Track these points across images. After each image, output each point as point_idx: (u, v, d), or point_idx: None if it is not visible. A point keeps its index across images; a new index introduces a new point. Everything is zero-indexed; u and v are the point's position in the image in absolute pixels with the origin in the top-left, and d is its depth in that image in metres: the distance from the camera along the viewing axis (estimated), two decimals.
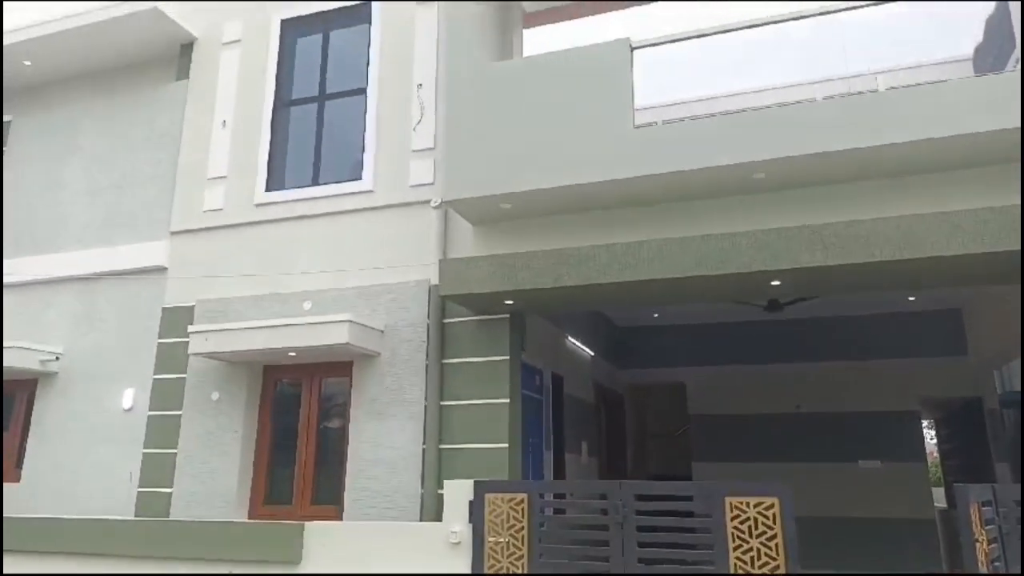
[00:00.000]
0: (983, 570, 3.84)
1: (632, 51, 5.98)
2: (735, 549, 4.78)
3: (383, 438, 6.76)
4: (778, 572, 4.66)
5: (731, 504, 4.88)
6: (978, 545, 3.85)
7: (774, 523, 4.76)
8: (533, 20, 7.75)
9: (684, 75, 6.78)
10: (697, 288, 5.81)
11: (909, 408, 9.41)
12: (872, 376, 9.37)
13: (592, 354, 9.28)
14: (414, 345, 6.90)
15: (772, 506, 4.79)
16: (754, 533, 4.78)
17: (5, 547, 6.78)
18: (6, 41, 9.09)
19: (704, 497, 5.04)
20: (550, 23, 7.86)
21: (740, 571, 4.74)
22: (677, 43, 6.23)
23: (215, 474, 7.19)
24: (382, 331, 7.00)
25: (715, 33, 6.15)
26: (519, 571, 5.29)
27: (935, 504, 9.15)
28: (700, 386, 10.19)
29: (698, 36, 6.23)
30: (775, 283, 5.60)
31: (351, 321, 6.64)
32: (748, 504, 4.84)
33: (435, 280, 6.84)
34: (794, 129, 5.22)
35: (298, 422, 7.34)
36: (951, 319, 9.39)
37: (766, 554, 4.71)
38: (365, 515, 6.53)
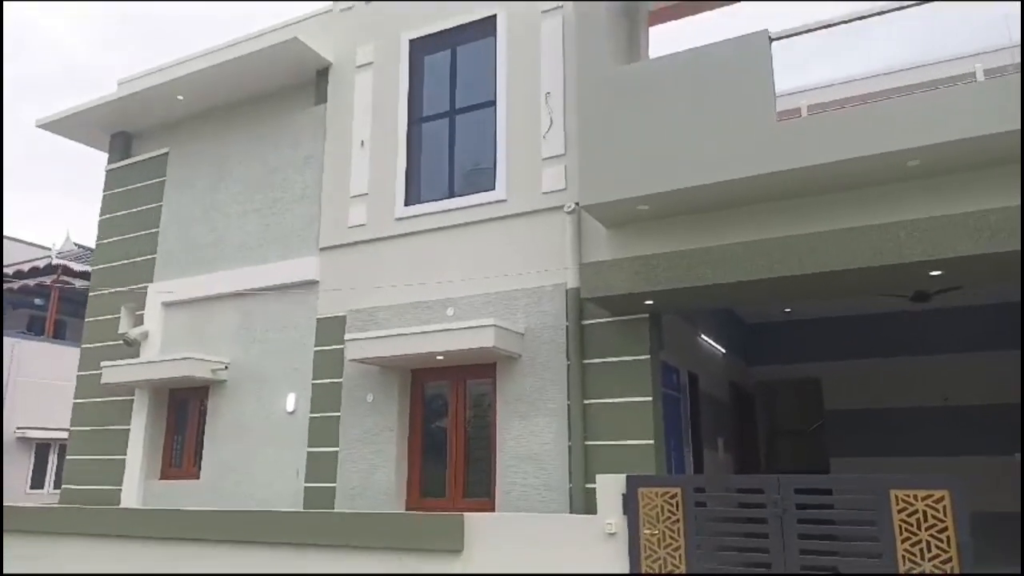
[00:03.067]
0: None
1: (771, 42, 6.00)
2: (903, 542, 4.76)
3: (529, 435, 7.09)
4: (951, 566, 4.62)
5: (897, 497, 4.86)
6: None
7: (945, 516, 4.71)
8: (656, 18, 7.88)
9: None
10: (848, 282, 5.79)
11: None
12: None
13: (724, 352, 9.30)
14: (554, 347, 7.19)
15: (942, 498, 4.74)
16: (923, 526, 4.74)
17: (191, 536, 7.54)
18: (158, 80, 10.06)
19: (868, 490, 5.03)
20: (672, 19, 7.97)
21: (909, 565, 4.72)
22: (810, 32, 6.22)
23: (374, 470, 7.74)
24: (522, 334, 7.33)
25: (842, 22, 6.11)
26: (677, 562, 5.45)
27: None
28: (836, 380, 9.98)
29: (826, 26, 6.20)
30: (935, 273, 5.51)
31: (495, 325, 7.00)
32: (916, 497, 4.81)
33: (571, 283, 7.10)
34: (953, 113, 5.11)
35: (447, 421, 7.80)
36: None
37: (937, 547, 4.67)
38: (516, 508, 6.88)
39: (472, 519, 6.34)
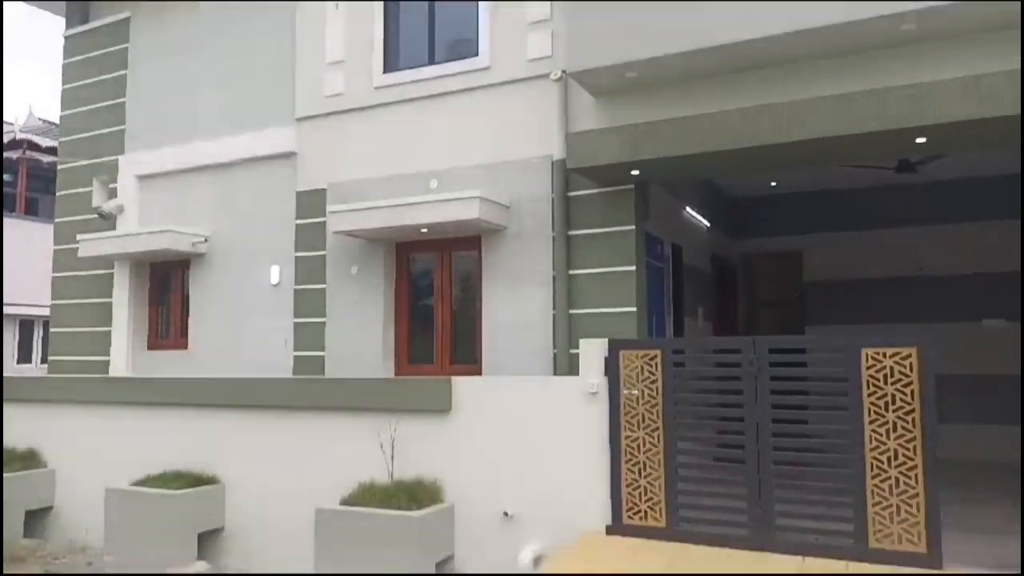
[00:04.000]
0: None
1: None
2: (870, 396, 5.02)
3: (514, 305, 7.22)
4: (913, 417, 4.89)
5: (867, 355, 5.08)
6: None
7: (911, 371, 4.95)
8: None
9: None
10: (835, 150, 5.77)
11: None
12: (1004, 235, 9.12)
13: (708, 225, 9.38)
14: (539, 218, 7.20)
15: (909, 355, 4.96)
16: (889, 381, 4.99)
17: (185, 402, 7.76)
18: None
19: (840, 350, 5.25)
20: None
21: (874, 415, 4.99)
22: None
23: (361, 339, 7.91)
24: (508, 206, 7.30)
25: None
26: (655, 418, 5.73)
27: None
28: (816, 253, 10.18)
29: None
30: (920, 140, 5.50)
31: (480, 197, 6.96)
32: (885, 354, 5.03)
33: (558, 154, 7.01)
34: None
35: (433, 292, 7.90)
36: None
37: (901, 399, 4.93)
38: (502, 372, 7.12)
39: (460, 382, 6.56)
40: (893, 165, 7.71)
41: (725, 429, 5.64)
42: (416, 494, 6.04)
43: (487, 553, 6.05)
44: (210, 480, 7.27)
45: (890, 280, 9.64)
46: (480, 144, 7.53)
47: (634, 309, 6.77)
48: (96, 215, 9.78)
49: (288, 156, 8.68)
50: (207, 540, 7.23)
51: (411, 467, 6.42)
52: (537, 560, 5.73)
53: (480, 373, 7.26)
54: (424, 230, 7.49)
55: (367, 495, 6.14)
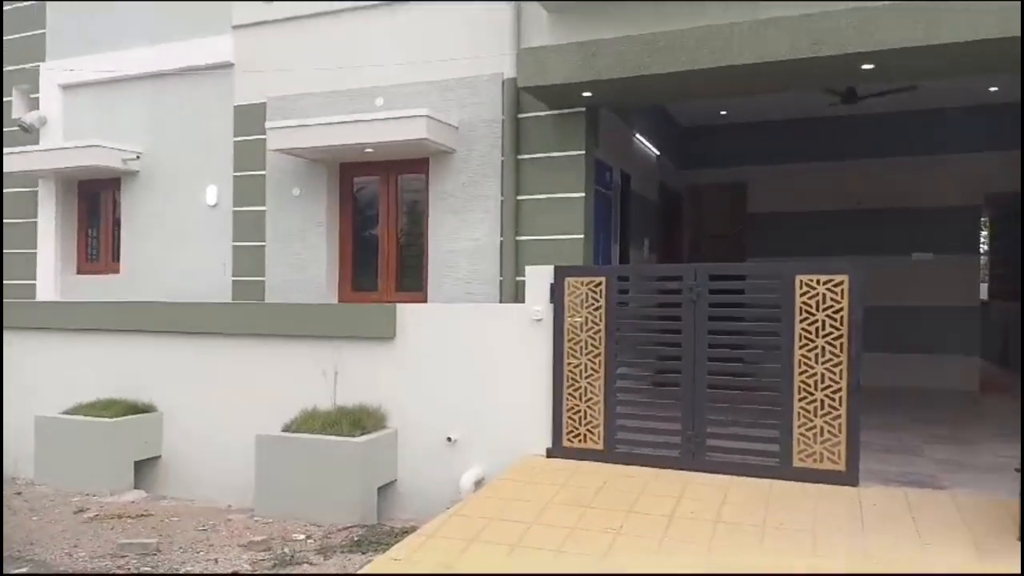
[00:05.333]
0: None
1: None
2: (802, 322, 5.16)
3: (461, 231, 7.12)
4: (841, 342, 5.06)
5: (801, 281, 5.20)
6: None
7: (841, 298, 5.09)
8: None
9: None
10: (786, 74, 5.71)
11: (970, 203, 9.49)
12: (935, 170, 9.37)
13: (658, 154, 9.33)
14: (489, 141, 7.02)
15: (841, 283, 5.10)
16: (821, 307, 5.13)
17: (118, 327, 7.54)
18: None
19: (776, 276, 5.35)
20: None
21: (804, 341, 5.15)
22: None
23: (303, 264, 7.72)
24: (456, 127, 7.10)
25: None
26: (596, 344, 5.81)
27: (980, 295, 9.58)
28: (761, 185, 10.28)
29: None
30: (867, 66, 5.49)
31: (428, 116, 6.73)
32: (818, 281, 5.16)
33: (508, 73, 6.80)
34: None
35: (378, 216, 7.72)
36: None
37: (831, 325, 5.09)
38: (448, 299, 7.08)
39: (404, 308, 6.51)
40: (842, 92, 7.73)
41: (664, 355, 5.76)
42: (359, 420, 6.05)
43: (430, 477, 6.15)
44: (146, 408, 7.14)
45: (829, 213, 9.84)
46: (430, 60, 7.23)
47: (582, 236, 6.75)
48: (16, 127, 9.17)
49: (226, 67, 8.21)
50: (144, 468, 7.17)
51: (355, 394, 6.41)
52: (478, 483, 5.85)
53: (426, 300, 7.20)
54: (369, 150, 7.25)
55: (309, 422, 6.12)
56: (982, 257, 10.51)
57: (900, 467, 5.41)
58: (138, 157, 8.66)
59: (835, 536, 4.19)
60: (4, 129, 9.29)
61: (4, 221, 9.43)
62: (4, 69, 9.46)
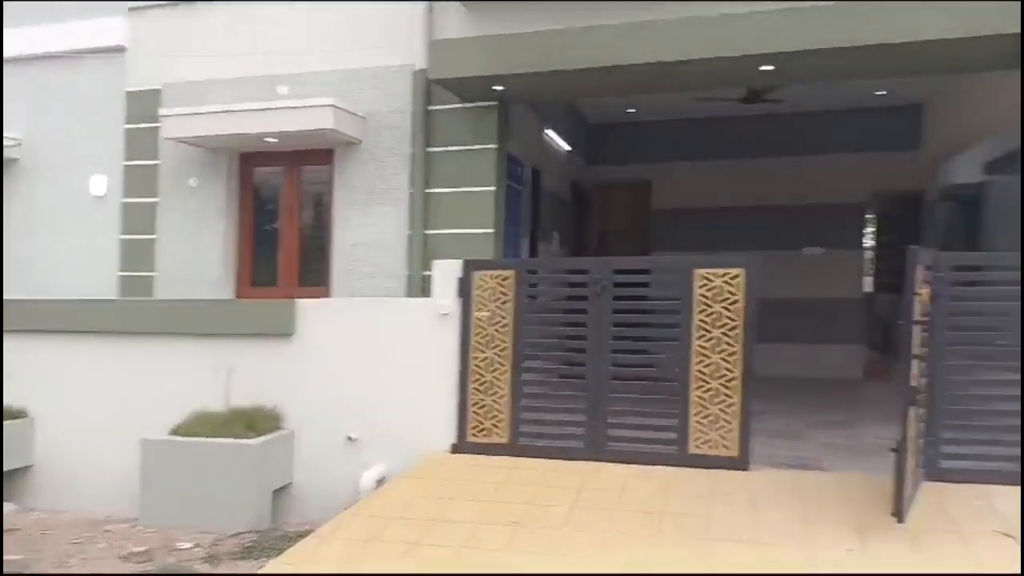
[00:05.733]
0: (917, 318, 4.47)
1: None
2: (699, 313, 5.33)
3: (368, 224, 6.99)
4: (736, 332, 5.25)
5: (700, 275, 5.37)
6: (916, 297, 4.45)
7: (737, 291, 5.29)
8: None
9: None
10: (691, 73, 5.88)
11: (857, 200, 10.10)
12: (828, 169, 9.92)
13: (569, 150, 9.45)
14: (398, 133, 6.93)
15: (737, 276, 5.29)
16: (718, 300, 5.32)
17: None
18: None
19: (676, 270, 5.51)
20: None
21: (701, 331, 5.32)
22: None
23: (197, 258, 7.39)
24: (364, 118, 6.96)
25: None
26: (504, 338, 5.81)
27: (864, 288, 10.23)
28: (665, 182, 10.59)
29: None
30: (765, 68, 5.72)
31: (334, 106, 6.58)
32: (716, 275, 5.34)
33: (419, 64, 6.73)
34: None
35: (280, 208, 7.48)
36: (911, 114, 9.79)
37: (727, 317, 5.28)
38: (353, 294, 6.93)
39: (304, 304, 6.30)
40: (743, 93, 8.03)
41: (571, 347, 5.82)
42: (254, 422, 5.82)
43: (329, 478, 5.96)
44: (17, 414, 6.62)
45: (728, 209, 10.23)
46: (337, 48, 7.07)
47: (492, 231, 6.76)
48: None
49: (118, 51, 7.77)
50: (13, 479, 6.64)
51: (251, 394, 6.15)
52: (380, 482, 5.74)
53: (329, 295, 7.03)
54: (271, 140, 7.01)
55: (200, 425, 5.84)
56: (868, 252, 11.17)
57: (789, 451, 5.68)
58: (19, 144, 8.07)
59: (728, 518, 4.35)
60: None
61: None
62: None
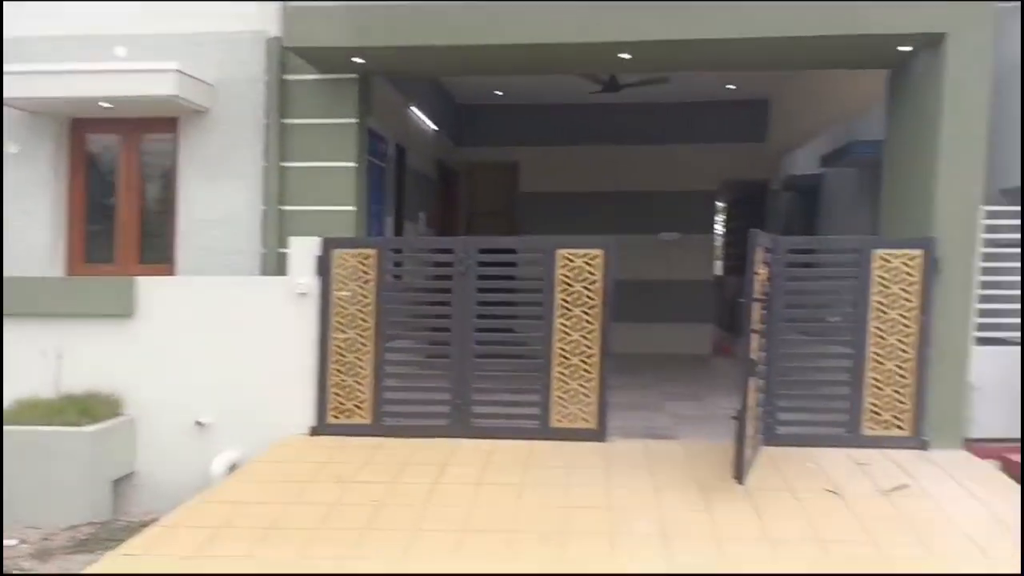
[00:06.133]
0: (756, 296, 4.81)
1: None
2: (561, 292, 5.45)
3: (218, 199, 6.54)
4: (596, 311, 5.42)
5: (562, 255, 5.48)
6: (756, 277, 4.78)
7: (596, 272, 5.46)
8: None
9: None
10: (552, 57, 5.92)
11: (708, 188, 10.74)
12: (683, 158, 10.46)
13: (436, 129, 9.33)
14: (250, 102, 6.50)
15: (597, 256, 5.46)
16: (579, 280, 5.46)
17: None
18: None
19: (540, 250, 5.59)
20: None
21: (563, 310, 5.44)
22: None
23: (22, 233, 6.62)
24: (212, 85, 6.49)
25: None
26: (366, 317, 5.66)
27: (714, 271, 10.93)
28: (532, 165, 10.75)
29: None
30: (624, 56, 5.87)
31: (179, 70, 6.08)
32: (577, 255, 5.47)
33: (274, 31, 6.34)
34: None
35: (117, 180, 6.84)
36: (758, 108, 10.50)
37: (587, 296, 5.44)
38: (200, 272, 6.45)
39: (145, 282, 5.84)
40: (604, 80, 8.25)
41: (436, 327, 5.77)
42: (89, 408, 5.34)
43: (177, 466, 5.58)
44: None
45: (592, 194, 10.55)
46: (183, 9, 6.51)
47: (353, 208, 6.51)
48: None
49: None
50: None
51: (86, 379, 5.63)
52: (233, 468, 5.44)
53: (173, 273, 6.53)
54: (107, 105, 6.37)
55: (27, 412, 5.29)
56: (718, 237, 11.92)
57: (644, 422, 5.96)
58: None
59: (584, 488, 4.50)
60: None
61: None
62: None
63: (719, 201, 11.64)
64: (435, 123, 9.27)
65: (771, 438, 5.30)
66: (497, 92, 9.99)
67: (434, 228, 9.57)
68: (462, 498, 4.32)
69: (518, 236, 10.36)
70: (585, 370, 5.40)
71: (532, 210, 10.53)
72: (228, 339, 5.71)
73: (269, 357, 5.68)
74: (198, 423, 5.61)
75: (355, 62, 6.24)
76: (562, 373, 5.41)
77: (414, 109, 8.50)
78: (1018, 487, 4.67)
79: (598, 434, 5.33)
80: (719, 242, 12.07)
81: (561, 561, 3.63)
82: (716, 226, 11.53)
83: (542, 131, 10.59)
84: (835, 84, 8.10)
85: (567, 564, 3.59)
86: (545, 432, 5.35)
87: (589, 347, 5.41)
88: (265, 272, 6.39)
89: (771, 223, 9.99)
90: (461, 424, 5.45)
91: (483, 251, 5.64)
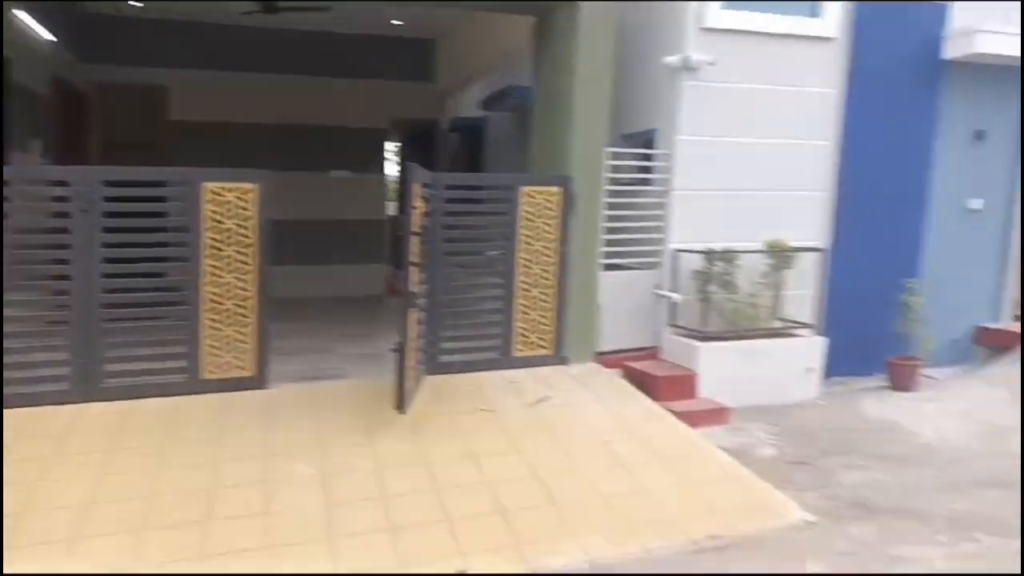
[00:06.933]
0: (415, 229, 4.88)
1: None
2: (209, 231, 4.92)
3: None
4: (252, 250, 5.01)
5: (209, 190, 4.94)
6: (414, 211, 4.84)
7: (250, 207, 5.03)
8: None
9: None
10: None
11: (378, 126, 10.60)
12: (351, 93, 10.14)
13: (52, 40, 7.67)
14: None
15: (250, 191, 5.02)
16: (230, 217, 4.98)
17: None
18: None
19: (183, 183, 4.96)
20: None
21: (212, 250, 4.93)
22: None
23: None
24: None
25: None
26: None
27: (387, 211, 10.92)
28: (183, 91, 9.51)
29: None
30: None
31: None
32: (228, 190, 4.97)
33: None
34: None
35: None
36: (425, 48, 10.55)
37: (240, 235, 4.98)
38: None
39: None
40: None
41: (56, 275, 4.82)
42: None
43: None
44: None
45: (254, 126, 9.75)
46: None
47: None
48: None
49: None
50: None
51: None
52: None
53: None
54: None
55: None
56: (391, 177, 11.93)
57: (313, 365, 5.77)
58: None
59: (238, 438, 4.22)
60: None
61: None
62: None
63: (391, 140, 11.62)
64: (52, 32, 7.64)
65: (434, 367, 5.51)
66: (135, 2, 8.56)
67: (55, 159, 7.97)
68: (86, 472, 3.75)
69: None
70: (241, 314, 4.99)
71: (185, 142, 9.32)
72: None
73: None
74: None
75: None
76: (213, 320, 4.93)
77: (17, 12, 6.87)
78: (635, 390, 5.56)
79: (259, 381, 5.00)
80: (393, 182, 12.10)
81: (210, 520, 3.36)
82: (390, 165, 11.53)
83: (195, 52, 9.41)
84: (495, 30, 8.47)
85: (216, 524, 3.33)
86: (195, 386, 4.85)
87: (245, 290, 5.00)
88: None
89: (440, 162, 10.30)
90: (88, 387, 4.66)
91: (111, 184, 4.82)
